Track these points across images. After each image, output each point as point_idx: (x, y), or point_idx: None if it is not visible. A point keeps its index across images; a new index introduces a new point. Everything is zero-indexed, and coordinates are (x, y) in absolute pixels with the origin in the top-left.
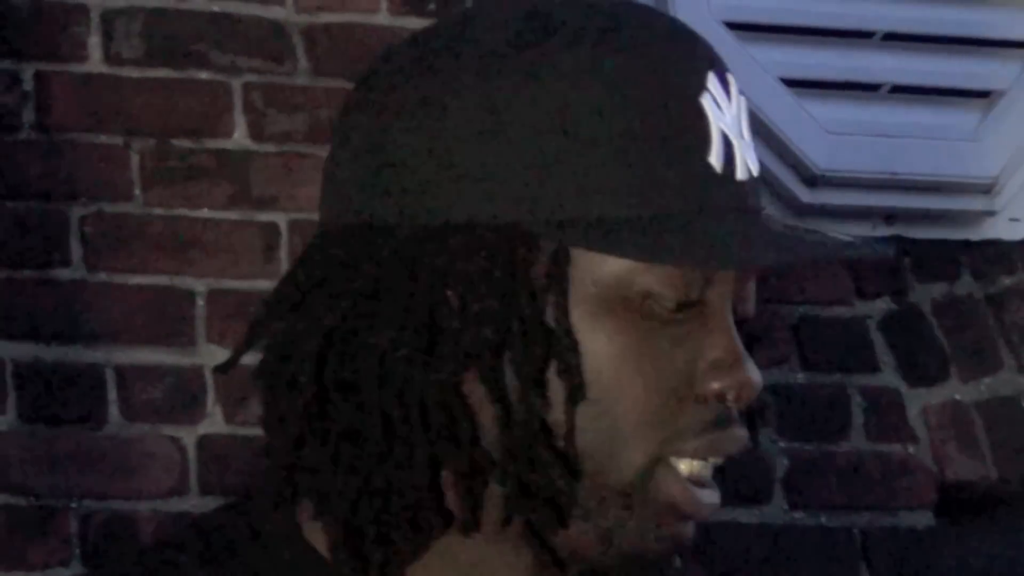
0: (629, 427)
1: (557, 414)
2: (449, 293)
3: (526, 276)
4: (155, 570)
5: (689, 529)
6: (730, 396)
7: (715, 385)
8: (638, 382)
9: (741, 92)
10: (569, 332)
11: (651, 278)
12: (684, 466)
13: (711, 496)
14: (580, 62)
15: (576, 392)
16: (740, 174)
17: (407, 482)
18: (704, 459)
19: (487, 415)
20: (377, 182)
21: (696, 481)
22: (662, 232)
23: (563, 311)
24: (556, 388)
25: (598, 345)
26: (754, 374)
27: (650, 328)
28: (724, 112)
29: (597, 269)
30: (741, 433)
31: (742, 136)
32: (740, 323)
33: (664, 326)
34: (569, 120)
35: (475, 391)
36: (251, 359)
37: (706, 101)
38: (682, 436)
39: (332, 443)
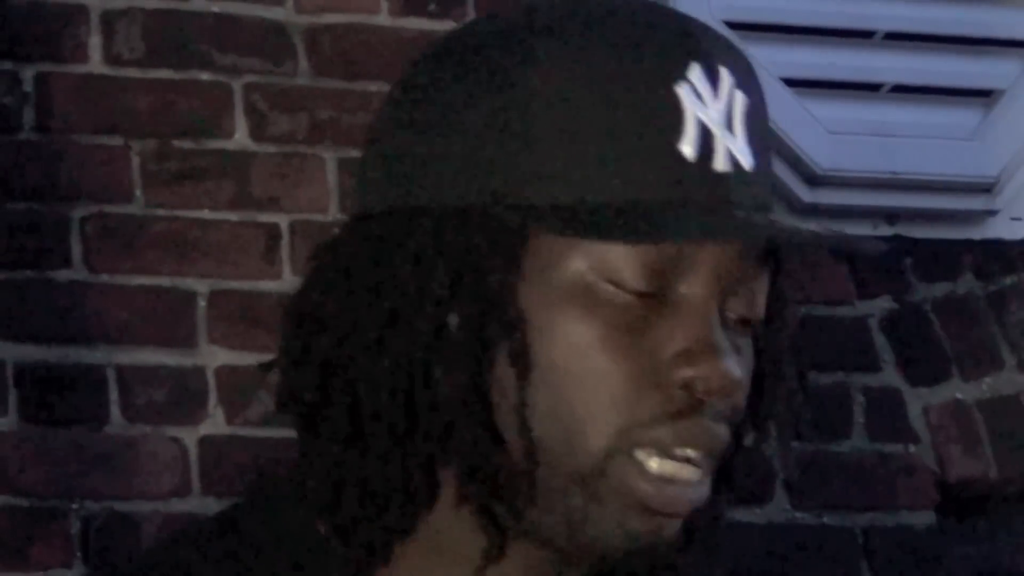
0: (586, 413)
1: (512, 398)
2: (407, 277)
3: (483, 259)
4: (174, 568)
5: (665, 526)
6: (699, 387)
7: (680, 374)
8: (597, 368)
9: (747, 89)
10: (522, 315)
11: (610, 263)
12: (655, 464)
13: (684, 492)
14: (554, 52)
15: (526, 376)
16: (721, 166)
17: (375, 464)
18: (670, 454)
19: (448, 397)
20: (365, 176)
21: (668, 479)
22: (620, 215)
23: (514, 293)
24: (508, 373)
25: (557, 330)
26: (728, 367)
27: (611, 315)
28: (707, 104)
29: (557, 253)
30: (715, 428)
31: (730, 129)
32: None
33: (626, 313)
34: (534, 108)
35: (437, 372)
36: (253, 360)
37: (682, 90)
38: (642, 424)
39: (327, 432)
